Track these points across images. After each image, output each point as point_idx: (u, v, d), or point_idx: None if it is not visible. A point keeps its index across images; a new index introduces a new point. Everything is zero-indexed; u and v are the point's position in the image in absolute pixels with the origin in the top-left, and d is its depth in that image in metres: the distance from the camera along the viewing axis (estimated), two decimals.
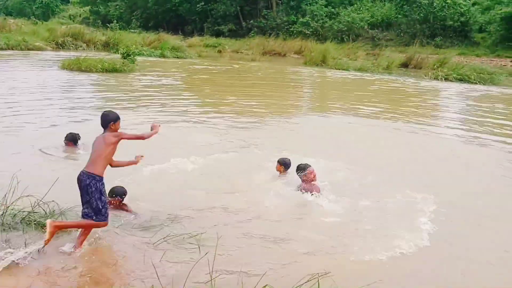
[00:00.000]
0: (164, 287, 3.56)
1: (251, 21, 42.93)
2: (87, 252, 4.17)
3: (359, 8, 39.62)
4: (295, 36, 38.06)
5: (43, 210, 4.67)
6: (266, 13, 42.65)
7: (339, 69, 24.83)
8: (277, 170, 6.57)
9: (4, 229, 4.34)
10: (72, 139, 7.37)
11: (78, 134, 7.46)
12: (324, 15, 39.30)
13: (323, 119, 11.80)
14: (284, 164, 6.54)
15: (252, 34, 40.89)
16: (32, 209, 4.62)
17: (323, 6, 39.81)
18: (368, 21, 37.70)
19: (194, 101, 13.56)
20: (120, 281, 3.74)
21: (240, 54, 33.29)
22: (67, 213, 4.72)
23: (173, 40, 33.15)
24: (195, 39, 38.86)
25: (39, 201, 4.65)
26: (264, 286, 3.51)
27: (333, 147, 8.70)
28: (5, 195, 4.55)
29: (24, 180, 4.66)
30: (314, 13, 39.42)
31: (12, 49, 23.80)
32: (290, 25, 40.23)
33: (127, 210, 5.11)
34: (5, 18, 40.13)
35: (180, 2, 45.80)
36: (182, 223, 4.83)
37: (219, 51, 34.94)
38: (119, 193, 5.14)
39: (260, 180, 6.40)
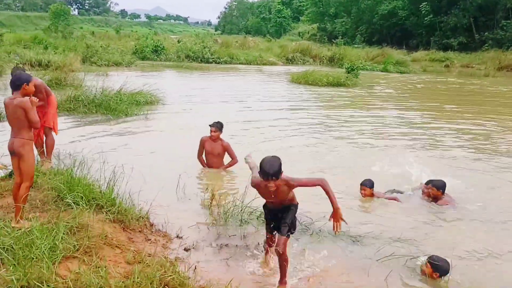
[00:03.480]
0: None
1: (486, 33, 38.99)
2: (316, 259, 4.31)
3: None
4: None
5: None
6: (505, 23, 38.17)
7: None
8: None
9: (241, 225, 4.88)
10: None
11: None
12: None
13: None
14: None
15: (486, 47, 37.13)
16: None
17: None
18: None
19: (425, 117, 12.93)
20: None
21: (470, 69, 30.65)
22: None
23: (397, 54, 32.71)
24: (420, 53, 37.51)
25: None
26: None
27: None
28: (242, 195, 5.07)
29: None
30: None
31: (250, 64, 26.85)
32: None
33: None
34: (245, 37, 45.72)
35: (407, 16, 44.71)
36: (405, 244, 4.67)
37: (446, 66, 32.86)
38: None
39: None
